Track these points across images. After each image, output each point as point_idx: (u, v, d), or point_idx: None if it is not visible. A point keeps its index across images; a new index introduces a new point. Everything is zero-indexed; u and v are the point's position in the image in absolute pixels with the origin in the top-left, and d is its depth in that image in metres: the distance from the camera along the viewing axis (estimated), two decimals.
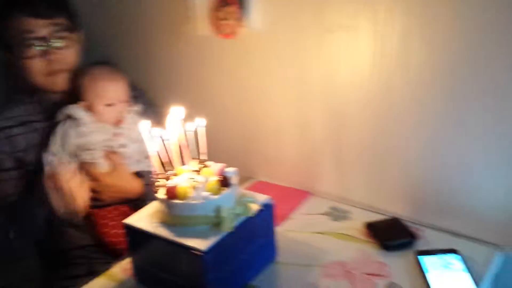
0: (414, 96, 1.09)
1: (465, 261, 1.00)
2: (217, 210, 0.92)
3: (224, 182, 0.96)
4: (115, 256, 1.18)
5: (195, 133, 1.01)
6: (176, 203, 0.92)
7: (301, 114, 1.30)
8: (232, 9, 1.27)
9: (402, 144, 1.15)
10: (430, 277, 0.96)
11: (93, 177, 1.20)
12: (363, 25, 1.10)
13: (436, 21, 1.01)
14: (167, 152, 0.98)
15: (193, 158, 1.02)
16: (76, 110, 1.21)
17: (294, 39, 1.22)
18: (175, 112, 1.01)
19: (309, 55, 1.21)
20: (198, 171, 0.99)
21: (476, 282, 0.94)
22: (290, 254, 1.08)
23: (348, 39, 1.13)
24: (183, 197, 0.92)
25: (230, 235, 0.92)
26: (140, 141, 1.23)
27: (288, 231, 1.17)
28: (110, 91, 1.22)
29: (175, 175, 0.98)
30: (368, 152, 1.21)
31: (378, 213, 1.21)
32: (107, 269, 1.10)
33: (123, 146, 1.23)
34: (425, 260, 1.01)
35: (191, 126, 1.01)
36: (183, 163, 1.02)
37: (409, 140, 1.13)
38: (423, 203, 1.16)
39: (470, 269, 0.97)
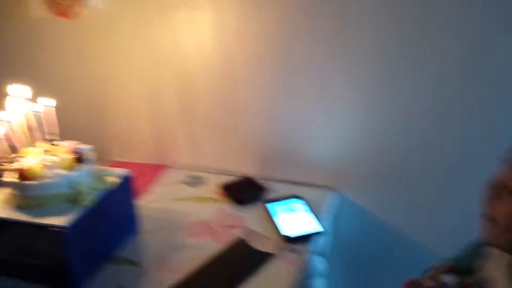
0: (253, 65, 1.20)
1: (307, 203, 1.16)
2: (74, 186, 0.92)
3: (79, 159, 0.96)
4: None
5: (44, 113, 0.99)
6: (29, 184, 0.90)
7: (151, 89, 1.34)
8: None
9: (246, 109, 1.27)
10: (278, 219, 1.10)
11: None
12: (202, 4, 1.17)
13: (265, 4, 1.13)
14: (11, 135, 0.94)
15: (43, 139, 1.00)
16: None
17: (136, 17, 1.25)
18: (17, 92, 0.98)
19: (154, 31, 1.25)
20: (49, 151, 0.98)
21: (318, 219, 1.10)
22: (153, 222, 1.13)
23: (190, 15, 1.20)
24: (36, 178, 0.90)
25: (90, 209, 0.93)
26: None
27: (149, 203, 1.21)
28: None
29: (23, 157, 0.95)
30: (216, 119, 1.31)
31: (232, 175, 1.31)
32: None
33: None
34: (273, 207, 1.15)
35: (38, 107, 0.99)
36: (31, 145, 0.99)
37: (252, 105, 1.26)
38: (269, 160, 1.30)
39: (311, 209, 1.13)
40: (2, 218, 0.91)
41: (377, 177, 1.22)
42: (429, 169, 1.15)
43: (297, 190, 1.23)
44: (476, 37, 1.00)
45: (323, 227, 1.07)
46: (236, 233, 1.07)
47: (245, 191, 1.22)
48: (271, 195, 1.21)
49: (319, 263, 1.09)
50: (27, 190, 0.91)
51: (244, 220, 1.12)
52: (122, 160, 1.45)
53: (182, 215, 1.16)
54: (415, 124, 1.13)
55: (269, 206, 1.15)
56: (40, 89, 1.02)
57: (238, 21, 1.17)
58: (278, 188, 1.25)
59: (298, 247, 1.02)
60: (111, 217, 1.02)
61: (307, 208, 1.14)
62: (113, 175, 1.02)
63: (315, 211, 1.13)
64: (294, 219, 1.10)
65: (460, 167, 1.12)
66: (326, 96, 1.18)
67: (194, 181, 1.31)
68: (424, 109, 1.10)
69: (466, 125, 1.08)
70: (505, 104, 1.04)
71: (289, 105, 1.22)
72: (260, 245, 1.03)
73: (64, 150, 0.98)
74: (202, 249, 1.03)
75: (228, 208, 1.18)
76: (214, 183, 1.29)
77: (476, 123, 1.07)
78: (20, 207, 0.92)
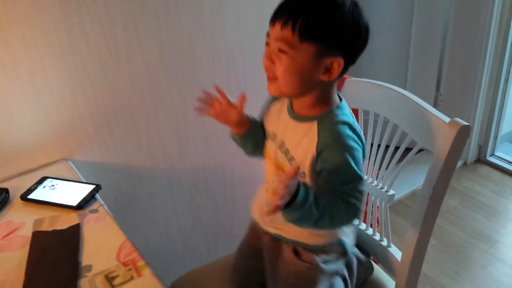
0: None
1: (59, 178, 1.18)
2: None
3: None
4: None
5: None
6: None
7: None
8: None
9: None
10: (47, 199, 1.10)
11: None
12: None
13: None
14: None
15: None
16: None
17: None
18: None
19: None
20: None
21: (81, 182, 1.16)
22: None
23: None
24: None
25: None
26: None
27: None
28: None
29: None
30: None
31: None
32: None
33: None
34: (32, 196, 1.11)
35: None
36: None
37: None
38: None
39: (67, 179, 1.17)
40: None
41: (99, 130, 1.33)
42: (136, 106, 1.37)
43: (39, 174, 1.20)
44: None
45: (94, 183, 1.14)
46: (24, 232, 1.01)
47: None
48: (22, 190, 1.13)
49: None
50: None
51: (18, 221, 1.05)
52: None
53: None
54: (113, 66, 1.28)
55: (31, 197, 1.10)
56: None
57: None
58: (22, 182, 1.17)
59: (92, 206, 1.08)
60: None
61: (63, 181, 1.16)
62: None
63: (71, 179, 1.17)
64: (64, 192, 1.12)
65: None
66: (8, 74, 1.14)
67: None
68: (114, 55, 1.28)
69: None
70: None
71: None
72: (61, 225, 1.02)
73: None
74: (3, 266, 0.92)
75: None
76: None
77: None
78: None
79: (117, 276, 0.88)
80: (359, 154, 0.90)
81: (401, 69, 2.60)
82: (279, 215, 0.84)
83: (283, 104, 1.01)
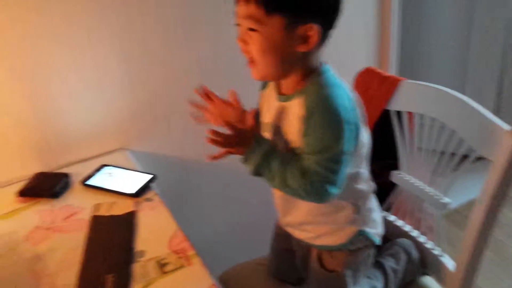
0: None
1: (117, 166, 1.23)
2: None
3: None
4: None
5: None
6: None
7: None
8: None
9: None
10: (110, 187, 1.15)
11: None
12: None
13: None
14: None
15: None
16: None
17: None
18: None
19: None
20: None
21: (137, 171, 1.20)
22: None
23: None
24: None
25: None
26: None
27: None
28: None
29: None
30: None
31: (21, 180, 1.21)
32: None
33: None
34: (91, 182, 1.18)
35: None
36: None
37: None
38: (52, 149, 1.26)
39: (125, 168, 1.22)
40: None
41: (157, 122, 1.38)
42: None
43: (98, 161, 1.26)
44: None
45: (150, 174, 1.18)
46: (83, 216, 1.06)
47: (50, 185, 1.16)
48: (79, 175, 1.20)
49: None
50: None
51: (77, 205, 1.11)
52: None
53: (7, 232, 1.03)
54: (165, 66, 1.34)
55: (90, 183, 1.17)
56: None
57: None
58: (82, 168, 1.24)
59: (147, 195, 1.12)
60: None
61: (121, 169, 1.22)
62: None
63: (128, 168, 1.23)
64: (121, 180, 1.17)
65: None
66: (75, 67, 1.21)
67: None
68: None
69: None
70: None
71: (40, 87, 1.20)
72: (117, 211, 1.07)
73: None
74: (63, 246, 0.98)
75: (48, 207, 1.11)
76: (8, 194, 1.16)
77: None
78: None
79: (168, 263, 0.92)
80: (345, 119, 0.79)
81: (460, 73, 2.49)
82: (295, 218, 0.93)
83: (271, 90, 0.94)
